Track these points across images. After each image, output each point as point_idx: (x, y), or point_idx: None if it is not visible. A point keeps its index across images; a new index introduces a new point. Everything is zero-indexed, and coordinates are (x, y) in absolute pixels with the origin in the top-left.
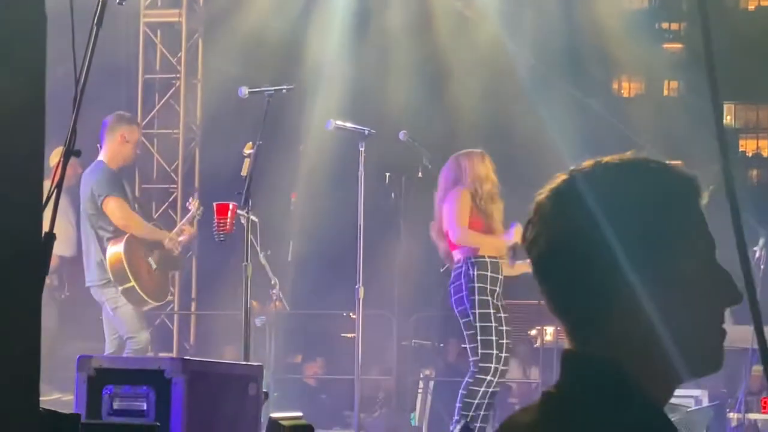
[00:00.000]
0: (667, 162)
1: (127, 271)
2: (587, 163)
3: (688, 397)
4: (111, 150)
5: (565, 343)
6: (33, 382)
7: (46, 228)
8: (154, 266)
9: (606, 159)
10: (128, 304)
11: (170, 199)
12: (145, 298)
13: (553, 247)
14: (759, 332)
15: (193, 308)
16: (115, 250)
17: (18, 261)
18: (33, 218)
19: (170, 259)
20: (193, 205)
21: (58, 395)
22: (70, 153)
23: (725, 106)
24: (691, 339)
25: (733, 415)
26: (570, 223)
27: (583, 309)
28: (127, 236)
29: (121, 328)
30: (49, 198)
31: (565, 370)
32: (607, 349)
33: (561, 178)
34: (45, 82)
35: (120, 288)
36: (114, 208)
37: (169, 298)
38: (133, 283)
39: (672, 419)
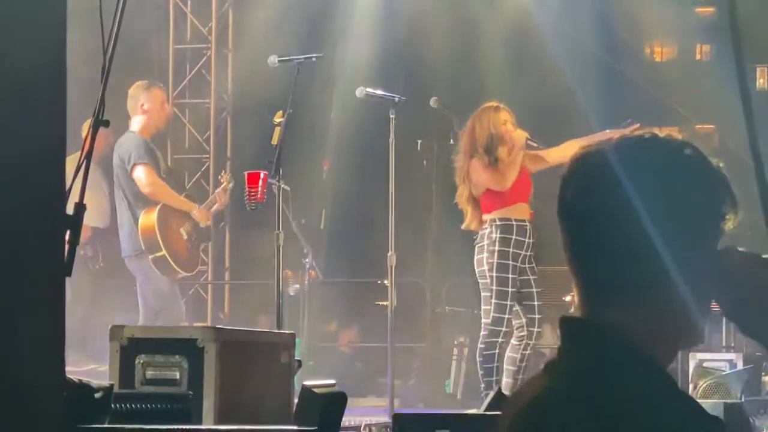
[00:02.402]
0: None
1: (159, 239)
2: (639, 131)
3: (723, 361)
4: (137, 121)
5: (577, 308)
6: (58, 354)
7: (76, 199)
8: (185, 237)
9: (663, 133)
10: (161, 277)
11: (202, 169)
12: (176, 267)
13: (580, 211)
14: None
15: (226, 278)
16: (148, 217)
17: (41, 234)
18: (56, 191)
19: (201, 233)
20: (225, 178)
21: (93, 366)
22: (98, 123)
23: (758, 69)
24: (696, 311)
25: None
26: (600, 191)
27: (604, 273)
28: (160, 205)
29: (155, 301)
30: (78, 169)
31: (570, 337)
32: (620, 314)
33: (608, 142)
34: (66, 50)
35: (150, 257)
36: (141, 174)
37: (202, 268)
38: (164, 251)
39: (706, 383)
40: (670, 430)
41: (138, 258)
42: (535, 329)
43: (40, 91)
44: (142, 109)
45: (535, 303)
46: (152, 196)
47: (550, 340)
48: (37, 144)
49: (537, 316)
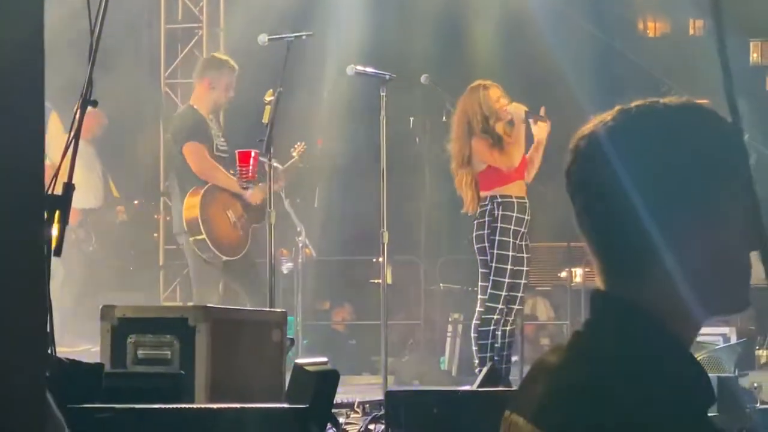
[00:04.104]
0: (717, 112)
1: (200, 222)
2: (640, 101)
3: (716, 335)
4: (198, 95)
5: (597, 283)
6: (40, 336)
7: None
8: (233, 220)
9: (664, 100)
10: (202, 260)
11: None
12: (216, 252)
13: (596, 185)
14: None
15: None
16: (192, 199)
17: (19, 214)
18: (35, 169)
19: (252, 212)
20: (298, 150)
21: (88, 346)
22: (86, 103)
23: (751, 44)
24: (720, 280)
25: (761, 352)
26: (614, 163)
27: (620, 248)
28: (207, 186)
29: (194, 283)
30: (67, 149)
31: (594, 310)
32: (639, 289)
33: (611, 114)
34: (43, 28)
35: (191, 239)
36: (192, 153)
37: None
38: (203, 236)
39: (700, 357)
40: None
41: (184, 237)
42: (516, 307)
43: (16, 69)
44: (208, 84)
45: (522, 281)
46: (201, 176)
47: (547, 315)
48: (14, 124)
49: (520, 294)
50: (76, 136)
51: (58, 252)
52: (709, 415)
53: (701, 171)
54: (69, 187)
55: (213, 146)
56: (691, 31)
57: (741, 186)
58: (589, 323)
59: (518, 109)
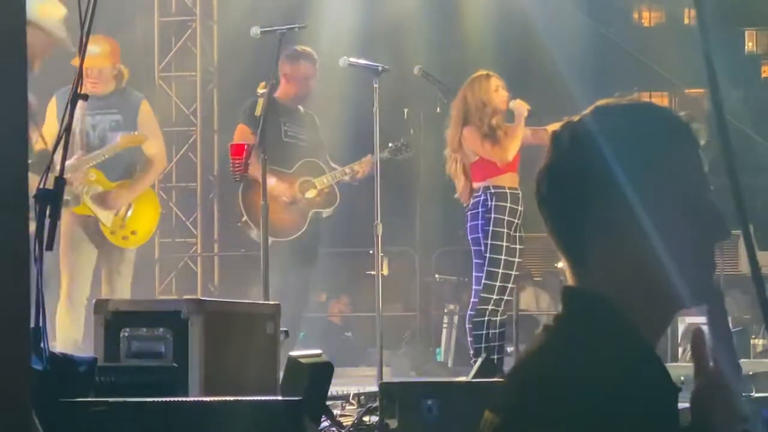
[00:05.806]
0: (667, 107)
1: (240, 200)
2: (596, 104)
3: None
4: (281, 85)
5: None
6: (22, 324)
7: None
8: (285, 200)
9: (605, 101)
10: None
11: (190, 142)
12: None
13: (555, 183)
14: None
15: (215, 250)
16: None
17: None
18: (18, 163)
19: (319, 199)
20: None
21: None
22: (77, 97)
23: (746, 33)
24: (682, 272)
25: (757, 341)
26: (570, 161)
27: (581, 243)
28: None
29: None
30: (58, 142)
31: (564, 304)
32: (602, 283)
33: (567, 119)
34: (26, 23)
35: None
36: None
37: (191, 240)
38: (242, 210)
39: None
40: (634, 397)
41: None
42: (505, 297)
43: None
44: (283, 80)
45: (513, 273)
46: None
47: (544, 306)
48: None
49: (510, 285)
50: (67, 130)
51: (50, 246)
52: (679, 407)
53: (646, 165)
54: (60, 182)
55: (281, 132)
56: (686, 21)
57: (695, 178)
58: (557, 317)
59: (521, 106)
